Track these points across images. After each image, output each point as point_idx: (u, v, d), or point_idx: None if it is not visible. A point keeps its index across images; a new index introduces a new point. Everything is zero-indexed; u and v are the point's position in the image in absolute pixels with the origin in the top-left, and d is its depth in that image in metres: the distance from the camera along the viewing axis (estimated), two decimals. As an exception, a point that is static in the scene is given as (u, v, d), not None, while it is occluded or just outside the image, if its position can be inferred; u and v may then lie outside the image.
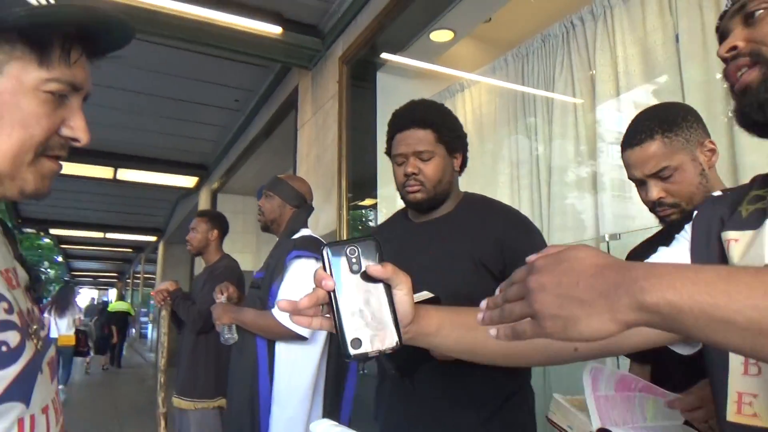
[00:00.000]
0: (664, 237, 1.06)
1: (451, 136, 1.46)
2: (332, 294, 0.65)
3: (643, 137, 1.15)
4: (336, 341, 2.09)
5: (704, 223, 0.78)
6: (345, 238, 3.17)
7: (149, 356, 14.33)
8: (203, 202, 7.41)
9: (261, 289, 2.16)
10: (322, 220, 3.48)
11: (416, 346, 0.77)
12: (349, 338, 0.64)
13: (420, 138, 1.42)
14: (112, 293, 31.41)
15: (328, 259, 0.65)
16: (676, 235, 0.82)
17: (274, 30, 3.44)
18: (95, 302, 19.89)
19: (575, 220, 2.56)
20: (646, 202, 1.20)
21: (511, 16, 3.04)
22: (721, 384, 0.69)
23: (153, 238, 13.00)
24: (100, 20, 0.64)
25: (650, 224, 1.41)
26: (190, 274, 8.66)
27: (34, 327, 0.67)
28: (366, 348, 0.64)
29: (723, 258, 0.72)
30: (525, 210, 2.81)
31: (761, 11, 0.69)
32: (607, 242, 2.14)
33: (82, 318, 9.64)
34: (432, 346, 0.78)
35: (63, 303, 8.44)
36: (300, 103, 4.10)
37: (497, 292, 0.59)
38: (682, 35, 2.06)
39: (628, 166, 1.21)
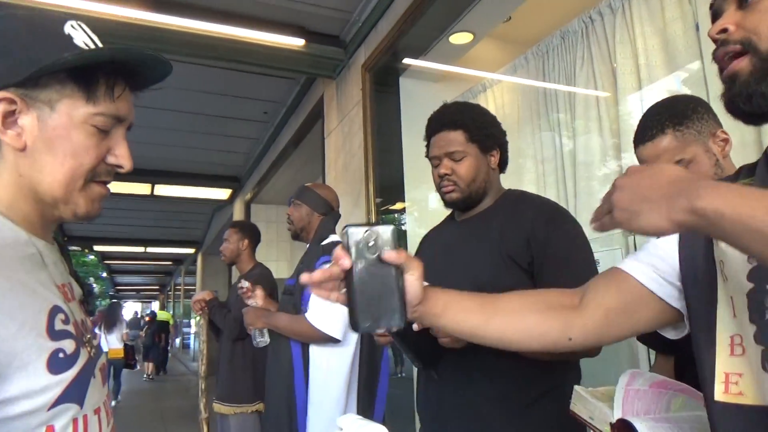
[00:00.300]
0: None
1: (482, 135, 1.47)
2: (349, 272, 0.70)
3: (654, 132, 1.16)
4: (368, 343, 2.11)
5: None
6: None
7: (192, 365, 14.67)
8: (238, 213, 7.58)
9: (294, 295, 2.22)
10: (352, 226, 3.53)
11: (425, 326, 0.82)
12: (359, 313, 0.70)
13: (451, 139, 1.45)
14: (155, 306, 32.25)
15: (348, 239, 0.71)
16: None
17: (297, 43, 3.53)
18: (138, 315, 20.50)
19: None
20: None
21: (530, 14, 3.04)
22: (709, 366, 0.70)
23: (191, 250, 13.32)
24: (139, 58, 0.72)
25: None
26: (228, 283, 8.85)
27: (88, 336, 0.74)
28: (373, 324, 0.71)
29: (710, 246, 0.74)
30: (552, 207, 2.80)
31: None
32: (634, 235, 2.13)
33: (129, 332, 10.33)
34: (438, 325, 0.85)
35: (111, 319, 9.07)
36: (326, 112, 4.17)
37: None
38: (702, 24, 2.03)
39: (641, 161, 1.21)
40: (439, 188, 1.49)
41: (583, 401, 1.08)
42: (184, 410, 7.58)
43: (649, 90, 2.30)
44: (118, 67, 0.72)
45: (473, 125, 1.47)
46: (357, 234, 0.71)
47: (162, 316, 15.06)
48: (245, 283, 2.44)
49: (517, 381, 1.34)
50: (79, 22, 0.72)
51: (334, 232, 2.31)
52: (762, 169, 0.73)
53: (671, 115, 1.16)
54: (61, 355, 0.65)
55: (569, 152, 2.72)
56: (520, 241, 1.36)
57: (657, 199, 0.58)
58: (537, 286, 1.31)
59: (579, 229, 1.38)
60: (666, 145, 1.15)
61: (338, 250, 0.71)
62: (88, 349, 0.72)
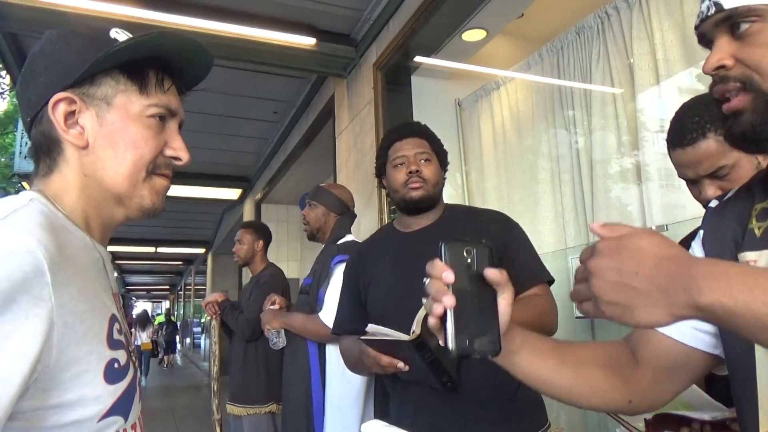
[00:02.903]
0: None
1: (441, 150, 1.63)
2: (449, 287, 0.64)
3: (695, 136, 1.07)
4: None
5: (716, 244, 0.75)
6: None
7: (203, 365, 14.74)
8: (248, 213, 7.59)
9: (309, 295, 2.22)
10: (364, 225, 3.51)
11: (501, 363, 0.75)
12: (455, 335, 0.63)
13: (419, 143, 1.58)
14: (165, 306, 32.50)
15: (446, 254, 0.65)
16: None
17: (308, 42, 3.51)
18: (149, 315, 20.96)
19: (620, 213, 2.50)
20: (699, 199, 1.13)
21: (544, 10, 3.01)
22: (751, 400, 0.66)
23: (202, 250, 13.38)
24: (184, 44, 0.74)
25: (701, 213, 1.37)
26: (238, 283, 8.88)
27: (132, 348, 0.74)
28: (469, 348, 0.63)
29: None
30: (567, 205, 2.76)
31: (749, 24, 0.63)
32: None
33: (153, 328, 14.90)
34: (510, 363, 0.76)
35: (144, 321, 13.35)
36: (337, 111, 4.15)
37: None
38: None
39: (679, 165, 1.13)
40: (404, 186, 1.53)
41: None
42: (196, 409, 7.61)
43: (666, 86, 2.26)
44: (164, 64, 0.76)
45: (435, 139, 1.63)
46: (455, 249, 0.65)
47: (161, 318, 18.61)
48: (277, 299, 2.44)
49: (531, 405, 1.41)
50: (122, 30, 0.75)
51: (349, 232, 2.30)
52: None
53: (713, 118, 1.06)
54: (116, 365, 0.66)
55: (585, 150, 2.68)
56: None
57: (650, 291, 0.52)
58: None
59: (523, 230, 1.58)
60: (708, 151, 1.06)
61: (439, 264, 0.65)
62: (134, 362, 0.73)
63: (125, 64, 0.72)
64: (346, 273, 1.68)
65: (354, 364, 1.55)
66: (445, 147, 1.67)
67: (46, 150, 0.72)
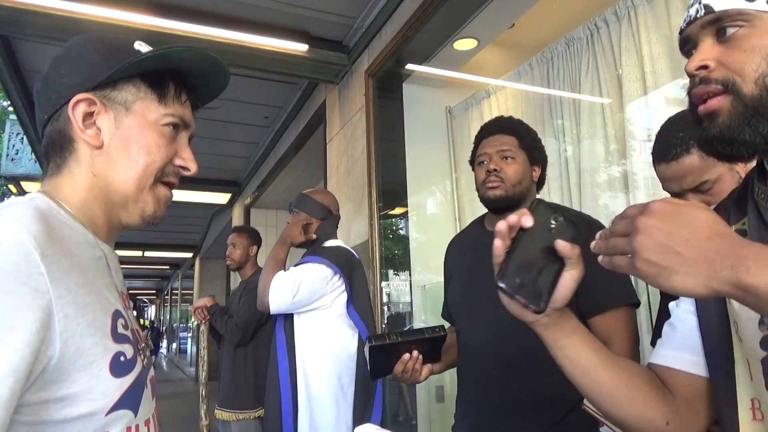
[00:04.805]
0: None
1: (533, 146, 1.55)
2: (521, 234, 0.70)
3: (679, 151, 1.10)
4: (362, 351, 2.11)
5: None
6: (377, 248, 3.21)
7: (189, 371, 14.60)
8: (237, 218, 7.56)
9: None
10: (354, 231, 3.52)
11: (545, 337, 0.76)
12: (508, 271, 0.68)
13: (504, 141, 1.52)
14: (151, 310, 32.17)
15: (535, 210, 0.71)
16: None
17: (300, 48, 3.52)
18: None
19: (608, 221, 2.53)
20: None
21: (534, 21, 3.05)
22: (731, 413, 0.68)
23: (189, 255, 13.28)
24: (206, 59, 0.78)
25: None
26: (226, 288, 8.82)
27: (142, 345, 0.75)
28: (516, 289, 0.68)
29: (723, 305, 0.72)
30: (556, 213, 2.79)
31: (736, 29, 0.64)
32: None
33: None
34: (558, 346, 0.76)
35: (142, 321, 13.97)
36: (328, 117, 4.17)
37: (608, 224, 0.63)
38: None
39: (663, 179, 1.16)
40: (483, 184, 1.51)
41: None
42: (183, 415, 7.53)
43: (654, 97, 2.31)
44: (182, 78, 0.79)
45: (526, 135, 1.55)
46: (544, 210, 0.71)
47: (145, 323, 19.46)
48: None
49: (546, 396, 1.36)
50: (145, 43, 0.78)
51: (334, 236, 2.31)
52: (753, 216, 0.70)
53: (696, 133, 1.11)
54: (122, 358, 0.67)
55: (573, 158, 2.72)
56: None
57: (694, 260, 0.52)
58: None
59: None
60: (692, 166, 1.09)
61: (525, 211, 0.70)
62: (143, 357, 0.74)
63: (147, 74, 0.76)
64: (444, 263, 1.71)
65: None
66: (541, 143, 1.59)
67: (59, 148, 0.74)
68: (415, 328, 1.83)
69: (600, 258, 0.62)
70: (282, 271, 2.08)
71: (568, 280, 0.70)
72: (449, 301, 1.64)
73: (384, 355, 1.33)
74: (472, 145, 1.63)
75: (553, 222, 0.70)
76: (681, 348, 0.77)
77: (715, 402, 0.72)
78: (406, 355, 1.32)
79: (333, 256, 2.15)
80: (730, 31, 0.64)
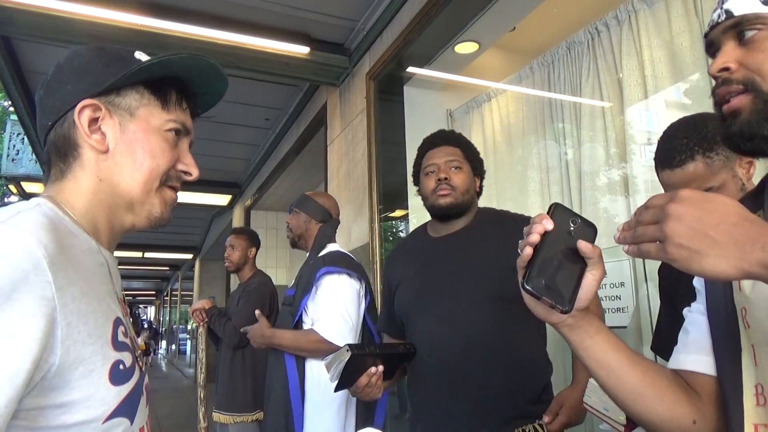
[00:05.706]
0: None
1: (475, 158, 1.65)
2: (543, 237, 0.71)
3: (683, 158, 1.10)
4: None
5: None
6: (378, 250, 3.21)
7: (188, 372, 14.58)
8: (237, 220, 7.56)
9: (293, 306, 2.19)
10: (355, 234, 3.52)
11: (569, 338, 0.77)
12: (534, 272, 0.70)
13: (450, 152, 1.60)
14: (151, 311, 32.16)
15: (554, 213, 0.73)
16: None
17: (302, 50, 3.53)
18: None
19: (608, 225, 2.53)
20: None
21: (535, 25, 3.05)
22: (737, 415, 0.68)
23: (189, 256, 13.28)
24: (207, 66, 0.80)
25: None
26: (226, 289, 8.82)
27: (138, 352, 0.75)
28: (542, 289, 0.70)
29: (730, 292, 0.73)
30: (556, 217, 2.79)
31: (755, 32, 0.67)
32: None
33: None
34: (583, 347, 0.77)
35: (137, 327, 14.41)
36: (329, 120, 4.17)
37: (632, 215, 0.64)
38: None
39: (666, 186, 1.15)
40: (432, 193, 1.57)
41: (598, 393, 1.08)
42: (181, 419, 7.52)
43: (654, 100, 2.31)
44: (183, 86, 0.82)
45: (468, 147, 1.65)
46: (563, 212, 0.73)
47: None
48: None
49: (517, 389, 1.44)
50: (144, 53, 0.80)
51: (333, 240, 2.29)
52: None
53: (700, 140, 1.09)
54: (121, 366, 0.67)
55: (574, 162, 2.72)
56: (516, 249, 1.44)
57: (726, 243, 0.54)
58: None
59: None
60: (696, 173, 1.09)
61: (543, 215, 0.72)
62: (140, 365, 0.74)
63: (149, 81, 0.78)
64: (383, 275, 1.72)
65: None
66: (480, 155, 1.68)
67: (63, 153, 0.75)
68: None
69: (625, 248, 0.63)
70: (317, 320, 2.03)
71: (591, 280, 0.72)
72: (399, 306, 1.64)
73: (353, 366, 1.33)
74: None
75: (572, 224, 0.72)
76: (696, 350, 0.78)
77: (721, 390, 0.73)
78: (373, 368, 1.36)
79: (350, 265, 2.13)
80: (750, 34, 0.67)
